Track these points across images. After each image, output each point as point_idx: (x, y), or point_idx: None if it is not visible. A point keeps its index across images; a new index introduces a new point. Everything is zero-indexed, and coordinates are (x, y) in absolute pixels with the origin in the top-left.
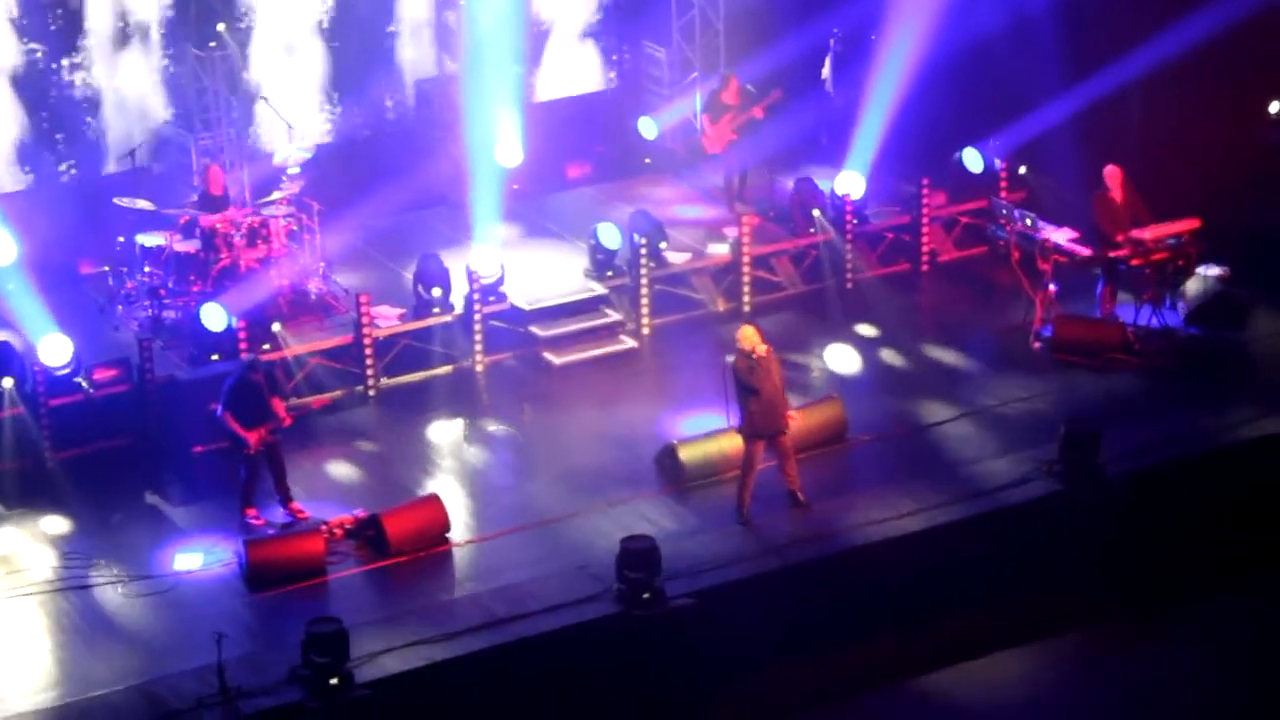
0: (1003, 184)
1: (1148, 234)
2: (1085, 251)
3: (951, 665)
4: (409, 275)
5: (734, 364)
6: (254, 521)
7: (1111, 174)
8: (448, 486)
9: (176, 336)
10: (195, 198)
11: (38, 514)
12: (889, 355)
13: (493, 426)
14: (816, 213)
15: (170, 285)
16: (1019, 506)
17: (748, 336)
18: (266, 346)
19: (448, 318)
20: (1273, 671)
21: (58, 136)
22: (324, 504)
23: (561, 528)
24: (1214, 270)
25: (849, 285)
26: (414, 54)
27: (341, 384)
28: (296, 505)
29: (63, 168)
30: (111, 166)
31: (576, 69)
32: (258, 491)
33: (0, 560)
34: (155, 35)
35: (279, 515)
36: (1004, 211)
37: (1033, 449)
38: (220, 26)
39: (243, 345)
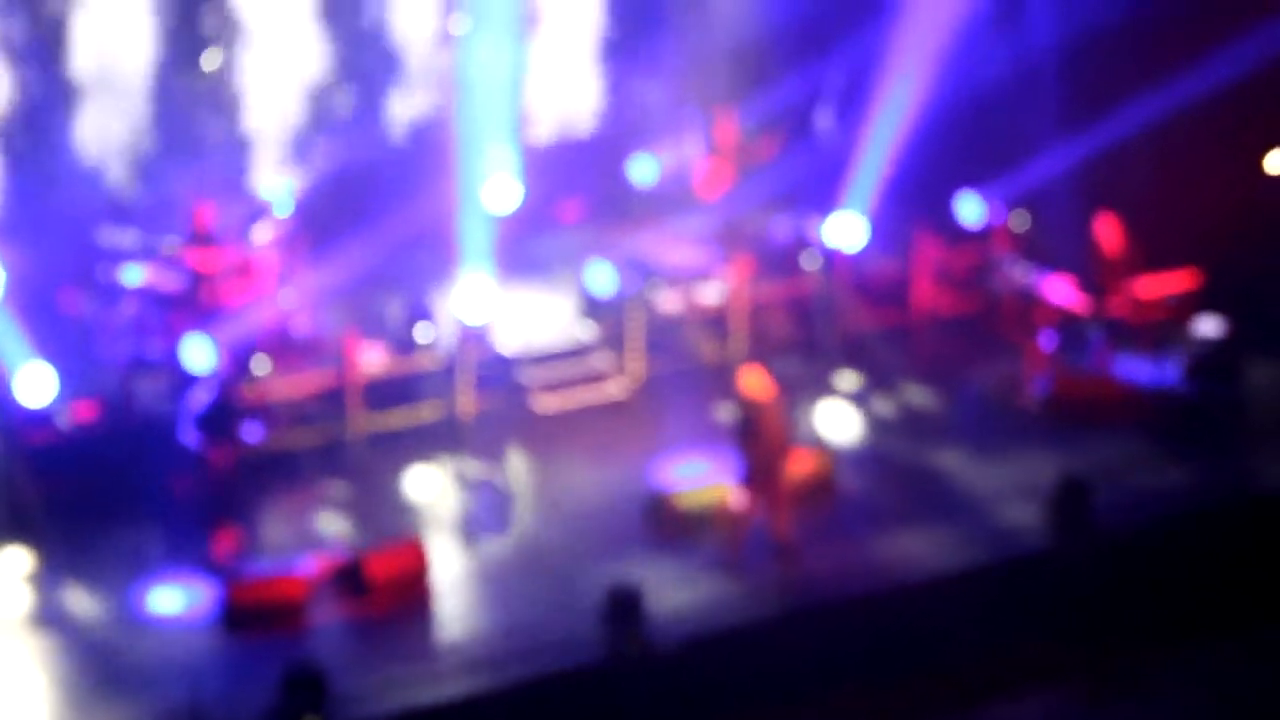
0: (1000, 234)
1: (1145, 288)
2: (1082, 304)
3: (939, 717)
4: (396, 315)
5: (736, 409)
6: (219, 555)
7: (1103, 226)
8: (430, 530)
9: (159, 373)
10: (181, 233)
11: (12, 549)
12: (881, 405)
13: (477, 470)
14: (809, 260)
15: (153, 321)
16: (1010, 560)
17: (751, 381)
18: (250, 384)
19: (434, 360)
20: None
21: (41, 168)
22: (306, 545)
23: (546, 574)
24: (1211, 324)
25: (841, 334)
26: (407, 92)
27: (324, 424)
28: (223, 543)
29: (42, 197)
30: (96, 199)
31: (570, 109)
32: (232, 521)
33: None
34: (144, 64)
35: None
36: (1001, 263)
37: (1024, 503)
38: (210, 57)
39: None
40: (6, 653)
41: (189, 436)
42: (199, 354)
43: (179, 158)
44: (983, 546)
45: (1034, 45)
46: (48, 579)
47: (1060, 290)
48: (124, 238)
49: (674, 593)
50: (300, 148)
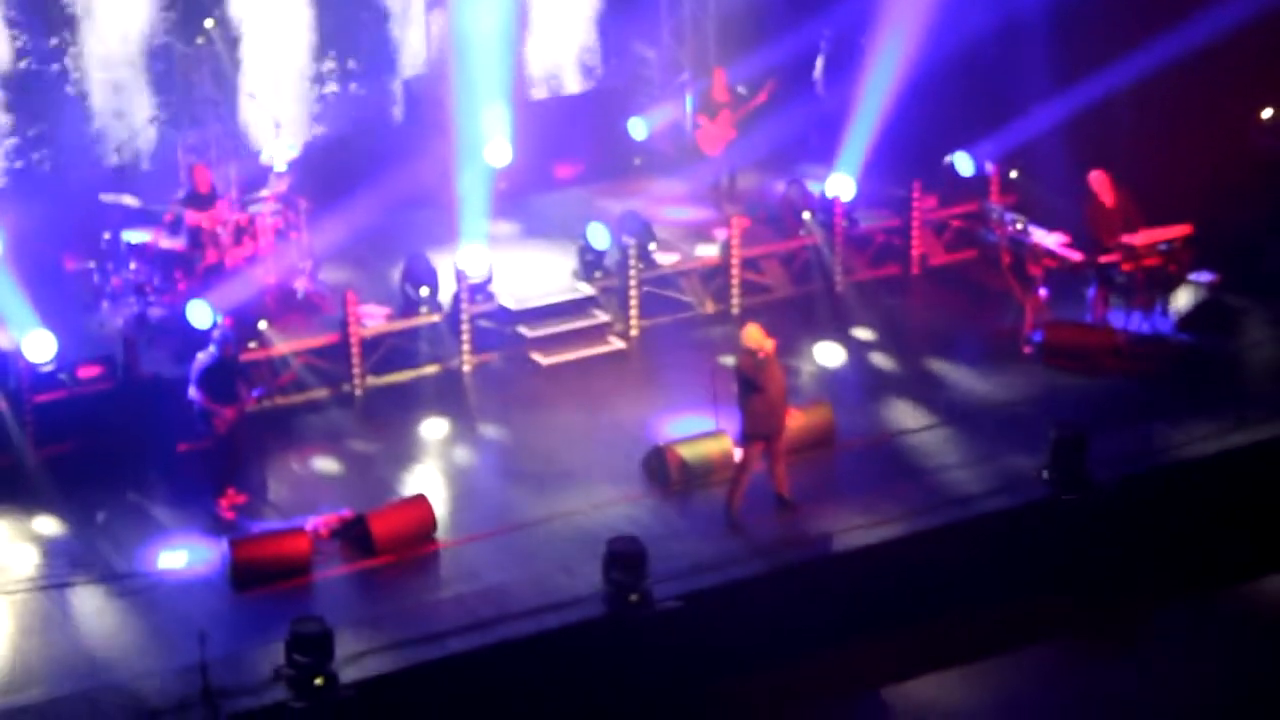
0: (994, 188)
1: (1139, 239)
2: (1076, 256)
3: (938, 669)
4: (396, 274)
5: (740, 362)
6: (225, 514)
7: (1098, 179)
8: (434, 487)
9: (162, 334)
10: (182, 194)
11: (20, 511)
12: (878, 359)
13: (479, 427)
14: (806, 215)
15: (156, 282)
16: (1007, 511)
17: (753, 335)
18: (253, 344)
19: (435, 317)
20: (1258, 677)
21: (43, 132)
22: (310, 503)
23: (548, 529)
24: (1205, 276)
25: (838, 288)
26: (403, 52)
27: (327, 383)
28: (228, 502)
29: (44, 160)
30: (97, 162)
31: (566, 69)
32: (236, 479)
33: None
34: (143, 31)
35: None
36: (995, 215)
37: (1021, 454)
38: (208, 23)
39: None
40: (13, 613)
41: (193, 395)
42: (201, 313)
43: (180, 120)
44: (981, 499)
45: (1023, 1)
46: (54, 540)
47: (1055, 241)
48: (126, 200)
49: (675, 546)
50: (299, 109)
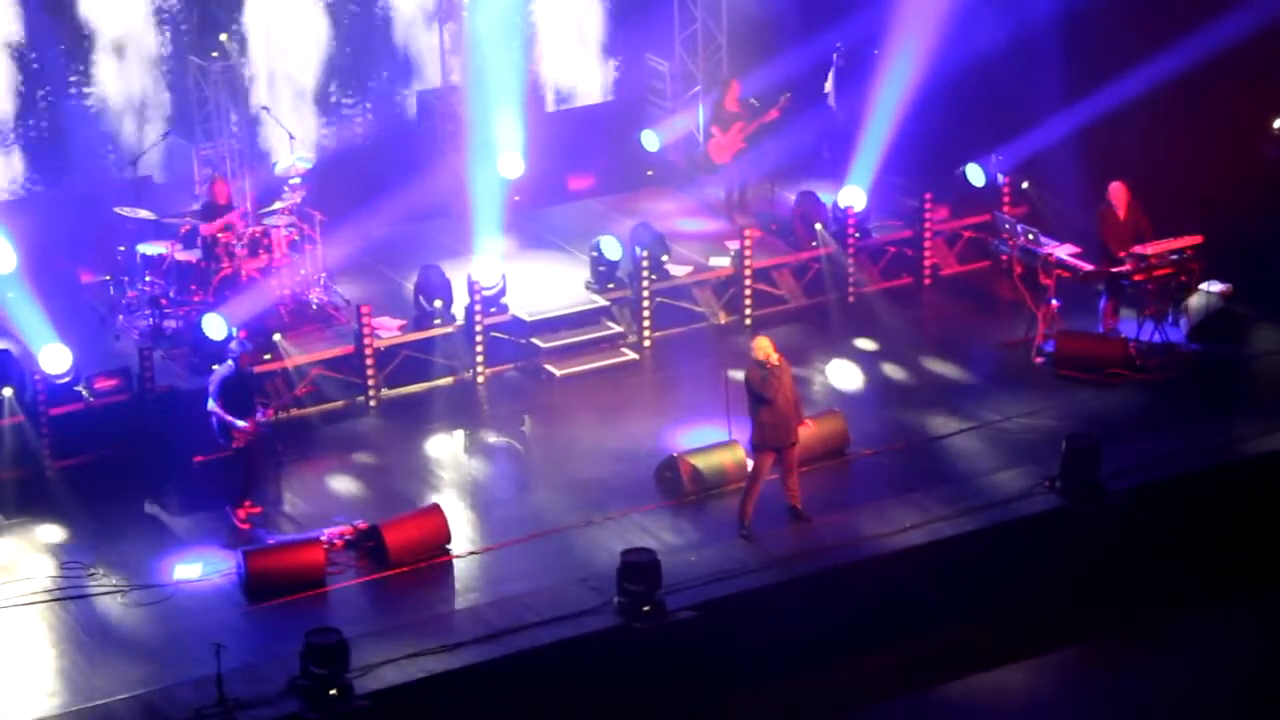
0: (1005, 199)
1: (1150, 249)
2: (1087, 266)
3: (951, 679)
4: (410, 286)
5: (748, 374)
6: (241, 525)
7: (1117, 190)
8: (448, 498)
9: (177, 346)
10: (197, 207)
11: (37, 523)
12: (891, 369)
13: (493, 438)
14: (819, 226)
15: (171, 294)
16: (1020, 521)
17: (762, 347)
18: (268, 356)
19: (449, 329)
20: (1269, 686)
21: (58, 145)
22: (324, 514)
23: (562, 540)
24: (1216, 286)
25: (851, 299)
26: (416, 65)
27: (343, 394)
28: (244, 513)
29: (59, 173)
30: (113, 175)
31: (579, 81)
32: (253, 491)
33: None
34: (157, 44)
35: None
36: (1006, 226)
37: (1034, 464)
38: (222, 37)
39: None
40: (30, 625)
41: (212, 407)
42: (216, 326)
43: (194, 133)
44: (993, 509)
45: (1034, 13)
46: (70, 551)
47: (1066, 252)
48: (141, 213)
49: (688, 557)
50: (313, 122)
